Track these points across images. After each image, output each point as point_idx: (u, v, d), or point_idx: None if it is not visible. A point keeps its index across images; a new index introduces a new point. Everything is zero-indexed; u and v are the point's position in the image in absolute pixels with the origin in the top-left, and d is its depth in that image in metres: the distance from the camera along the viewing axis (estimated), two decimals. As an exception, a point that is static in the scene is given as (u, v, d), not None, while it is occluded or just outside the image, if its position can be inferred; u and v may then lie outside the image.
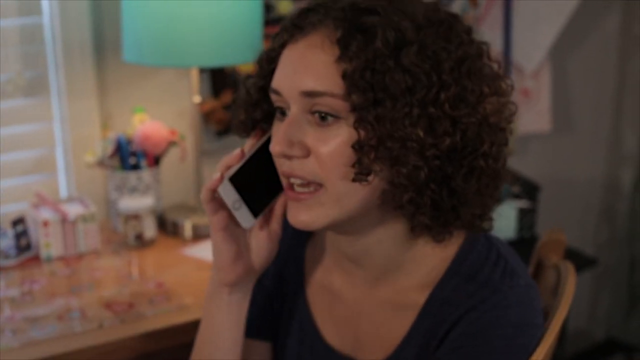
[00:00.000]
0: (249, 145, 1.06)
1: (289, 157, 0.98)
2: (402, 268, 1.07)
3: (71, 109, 1.95)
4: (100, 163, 1.91)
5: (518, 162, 2.68)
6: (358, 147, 0.95)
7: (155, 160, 1.94)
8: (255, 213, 1.05)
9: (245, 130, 1.08)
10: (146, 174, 1.92)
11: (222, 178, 1.02)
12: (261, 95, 1.04)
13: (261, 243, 1.09)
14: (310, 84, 0.95)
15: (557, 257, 1.32)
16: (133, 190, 1.91)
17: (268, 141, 1.04)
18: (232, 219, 1.06)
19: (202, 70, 1.97)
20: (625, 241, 3.05)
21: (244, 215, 1.04)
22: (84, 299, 1.61)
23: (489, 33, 2.50)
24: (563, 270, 1.26)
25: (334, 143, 0.96)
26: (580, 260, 2.45)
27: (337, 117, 0.96)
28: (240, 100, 1.07)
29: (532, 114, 2.67)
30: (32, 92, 1.94)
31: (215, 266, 1.09)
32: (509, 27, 2.53)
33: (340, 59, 0.94)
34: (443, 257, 1.06)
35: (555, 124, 2.74)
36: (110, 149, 1.90)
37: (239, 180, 1.02)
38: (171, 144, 1.94)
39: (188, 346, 1.19)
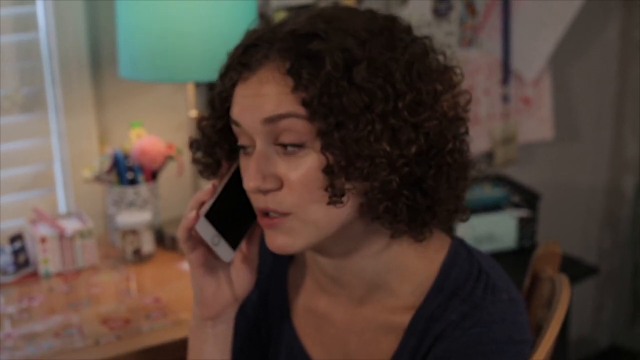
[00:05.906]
0: (218, 179, 1.06)
1: (264, 192, 0.98)
2: (386, 285, 1.07)
3: (69, 125, 1.95)
4: (98, 178, 1.91)
5: (520, 170, 2.68)
6: (328, 171, 0.95)
7: (153, 175, 1.94)
8: (233, 245, 1.05)
9: (212, 171, 1.08)
10: (144, 189, 1.92)
11: (198, 216, 1.01)
12: (220, 135, 1.04)
13: (241, 273, 1.08)
14: (271, 109, 0.95)
15: (553, 270, 1.31)
16: (131, 205, 1.91)
17: (235, 172, 1.05)
18: (210, 254, 1.05)
19: (198, 85, 1.97)
20: (629, 248, 3.04)
21: (223, 249, 1.04)
22: (82, 315, 1.62)
23: (488, 41, 2.49)
24: (558, 283, 1.25)
25: (304, 169, 0.96)
26: (582, 268, 2.44)
27: (302, 146, 0.96)
28: (198, 144, 1.07)
29: (533, 122, 2.66)
30: (29, 108, 1.94)
31: (197, 302, 1.08)
32: (508, 35, 2.52)
33: (296, 88, 0.94)
34: (426, 275, 1.06)
35: (557, 131, 2.73)
36: (107, 164, 1.90)
37: (213, 215, 1.02)
38: (168, 158, 1.94)
39: (183, 362, 1.19)
